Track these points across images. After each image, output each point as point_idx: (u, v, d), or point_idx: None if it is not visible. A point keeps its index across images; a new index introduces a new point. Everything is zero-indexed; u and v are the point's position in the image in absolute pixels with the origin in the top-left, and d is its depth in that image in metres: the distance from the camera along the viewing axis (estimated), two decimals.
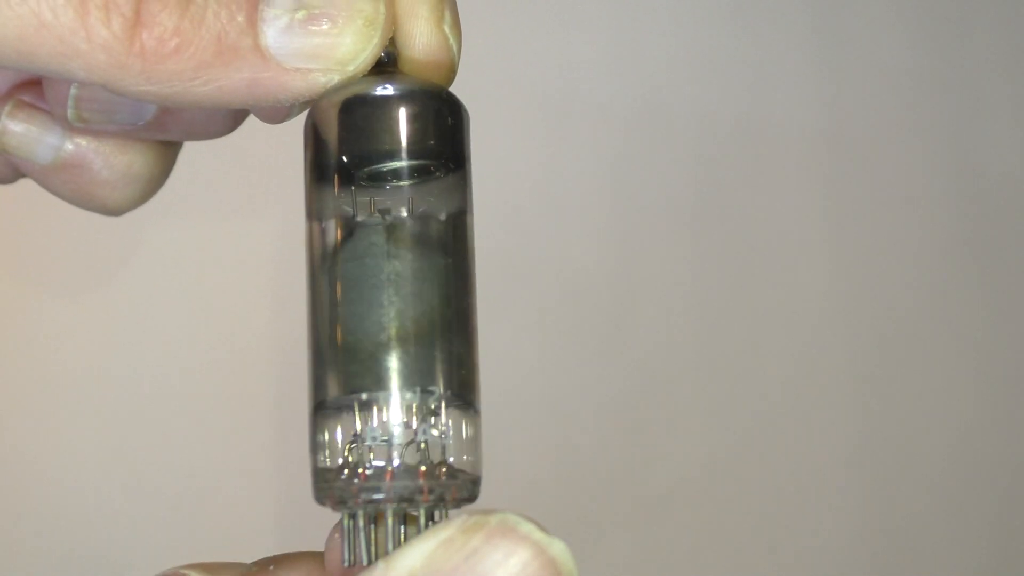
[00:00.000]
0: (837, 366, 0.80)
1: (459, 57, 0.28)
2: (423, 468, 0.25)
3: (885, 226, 0.81)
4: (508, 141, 0.75)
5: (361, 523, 0.25)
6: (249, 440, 0.71)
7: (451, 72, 0.28)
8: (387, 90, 0.26)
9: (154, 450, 0.71)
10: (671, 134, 0.79)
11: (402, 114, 0.26)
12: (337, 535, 0.26)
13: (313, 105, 0.27)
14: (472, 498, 0.26)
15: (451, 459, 0.25)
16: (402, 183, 0.26)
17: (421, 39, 0.27)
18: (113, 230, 0.63)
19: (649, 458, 0.77)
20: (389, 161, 0.26)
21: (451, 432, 0.25)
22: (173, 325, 0.71)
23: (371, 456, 0.25)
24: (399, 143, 0.26)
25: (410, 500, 0.25)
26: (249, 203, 0.73)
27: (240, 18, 0.25)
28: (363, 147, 0.26)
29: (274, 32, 0.25)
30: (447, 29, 0.27)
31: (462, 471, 0.25)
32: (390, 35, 0.27)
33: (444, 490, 0.25)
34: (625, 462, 0.77)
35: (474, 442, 0.26)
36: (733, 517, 0.77)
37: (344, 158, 0.26)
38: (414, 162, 0.26)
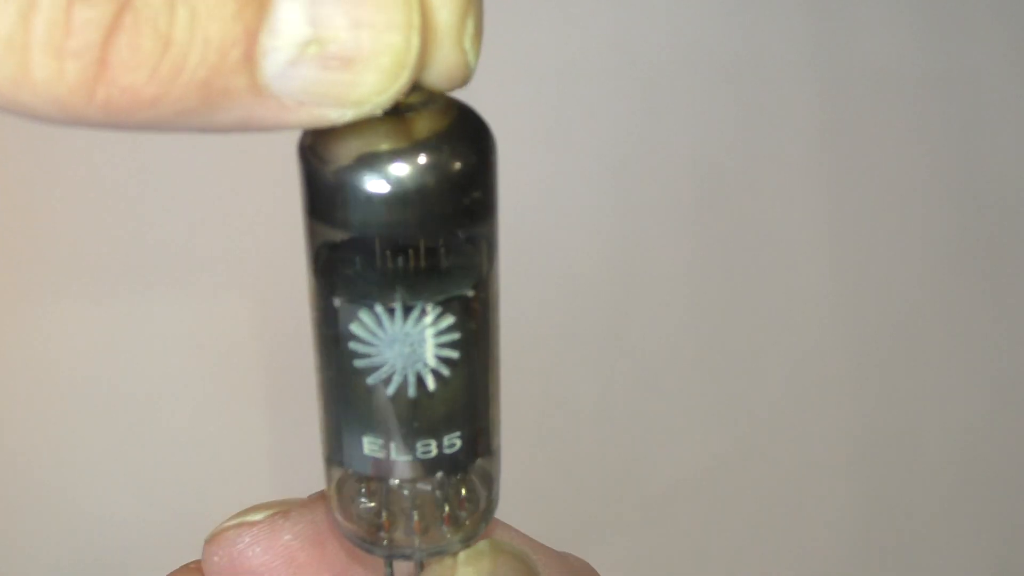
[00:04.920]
0: (839, 366, 0.80)
1: (475, 67, 0.24)
2: (452, 519, 0.25)
3: (887, 226, 0.81)
4: (507, 139, 0.75)
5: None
6: (247, 440, 0.71)
7: (463, 84, 0.24)
8: (404, 158, 0.22)
9: (153, 450, 0.71)
10: (671, 132, 0.79)
11: (423, 184, 0.22)
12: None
13: (311, 136, 0.23)
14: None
15: (470, 499, 0.26)
16: (420, 241, 0.23)
17: (441, 63, 0.23)
18: (112, 230, 0.63)
19: (649, 458, 0.77)
20: (403, 227, 0.22)
21: (473, 480, 0.25)
22: (172, 324, 0.71)
23: (399, 509, 0.25)
24: (418, 212, 0.22)
25: (439, 552, 0.26)
26: (244, 202, 0.72)
27: (235, 54, 0.20)
28: (372, 212, 0.22)
29: (276, 67, 0.21)
30: (467, 45, 0.23)
31: (477, 509, 0.26)
32: (422, 69, 0.22)
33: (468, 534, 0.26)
34: (625, 462, 0.77)
35: (492, 479, 0.26)
36: (734, 518, 0.78)
37: (349, 220, 0.22)
38: (438, 228, 0.23)
